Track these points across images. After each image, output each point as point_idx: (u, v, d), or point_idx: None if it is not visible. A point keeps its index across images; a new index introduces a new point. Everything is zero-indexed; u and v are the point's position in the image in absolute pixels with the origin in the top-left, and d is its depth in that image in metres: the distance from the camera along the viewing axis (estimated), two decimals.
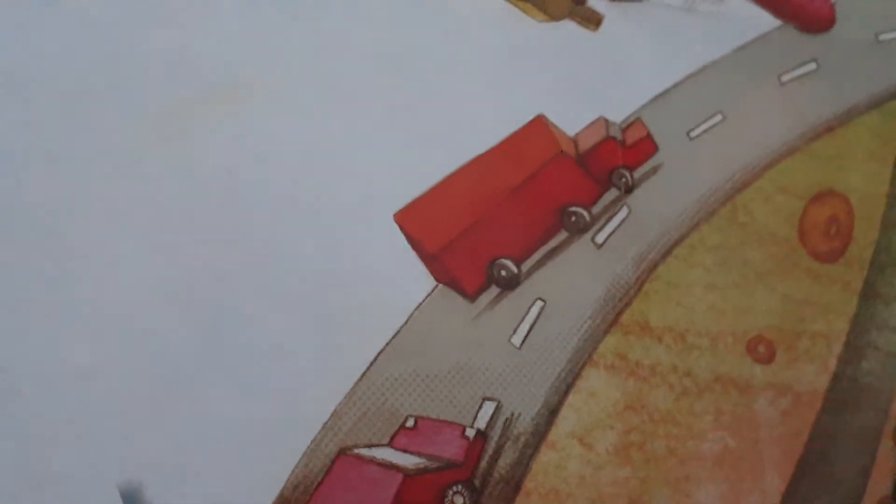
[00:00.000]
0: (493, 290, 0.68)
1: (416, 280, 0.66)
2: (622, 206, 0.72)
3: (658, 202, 0.73)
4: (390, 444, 0.63)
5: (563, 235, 0.71)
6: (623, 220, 0.72)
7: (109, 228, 0.61)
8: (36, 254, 0.59)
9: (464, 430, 0.64)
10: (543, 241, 0.70)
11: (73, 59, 0.62)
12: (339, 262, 0.64)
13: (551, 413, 0.67)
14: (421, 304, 0.65)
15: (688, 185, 0.75)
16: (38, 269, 0.59)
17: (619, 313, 0.70)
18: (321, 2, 0.68)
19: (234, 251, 0.63)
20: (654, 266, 0.72)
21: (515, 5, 0.73)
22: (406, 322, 0.65)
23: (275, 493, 0.59)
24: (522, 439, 0.66)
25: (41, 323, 0.58)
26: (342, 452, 0.61)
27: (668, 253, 0.73)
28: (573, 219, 0.71)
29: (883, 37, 0.84)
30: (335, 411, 0.62)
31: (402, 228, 0.66)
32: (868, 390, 0.75)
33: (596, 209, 0.72)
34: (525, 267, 0.69)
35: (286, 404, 0.61)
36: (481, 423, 0.65)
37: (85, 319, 0.59)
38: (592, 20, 0.75)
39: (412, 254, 0.66)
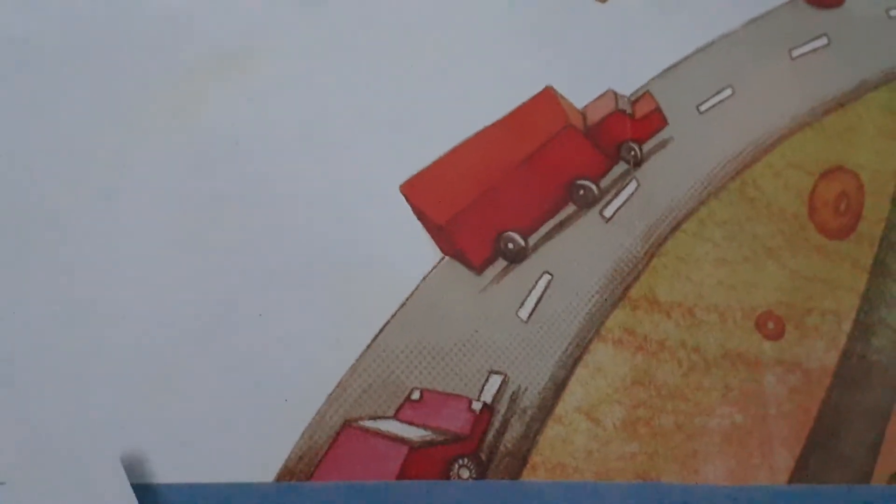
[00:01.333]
0: (500, 263, 0.67)
1: (422, 252, 0.65)
2: (631, 180, 0.72)
3: (667, 176, 0.73)
4: (396, 417, 0.62)
5: (570, 209, 0.70)
6: (631, 194, 0.71)
7: (115, 200, 0.60)
8: (38, 227, 0.59)
9: (470, 403, 0.64)
10: (551, 215, 0.69)
11: (82, 26, 0.61)
12: (344, 233, 0.64)
13: (558, 387, 0.66)
14: (427, 275, 0.65)
15: (697, 159, 0.74)
16: (38, 240, 0.58)
17: (628, 288, 0.70)
18: None
19: (240, 221, 0.62)
20: (663, 240, 0.71)
21: None
22: (412, 294, 0.64)
23: (279, 463, 0.59)
24: (529, 413, 0.65)
25: (43, 299, 0.58)
26: (347, 424, 0.61)
27: (676, 227, 0.72)
28: (581, 192, 0.70)
29: (894, 12, 0.83)
30: (340, 382, 0.61)
31: (407, 199, 0.65)
32: (878, 367, 0.75)
33: (604, 183, 0.71)
34: (532, 240, 0.68)
35: (291, 375, 0.60)
36: (487, 397, 0.64)
37: (89, 291, 0.59)
38: None
39: (419, 225, 0.65)
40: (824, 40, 0.80)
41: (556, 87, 0.71)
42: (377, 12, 0.68)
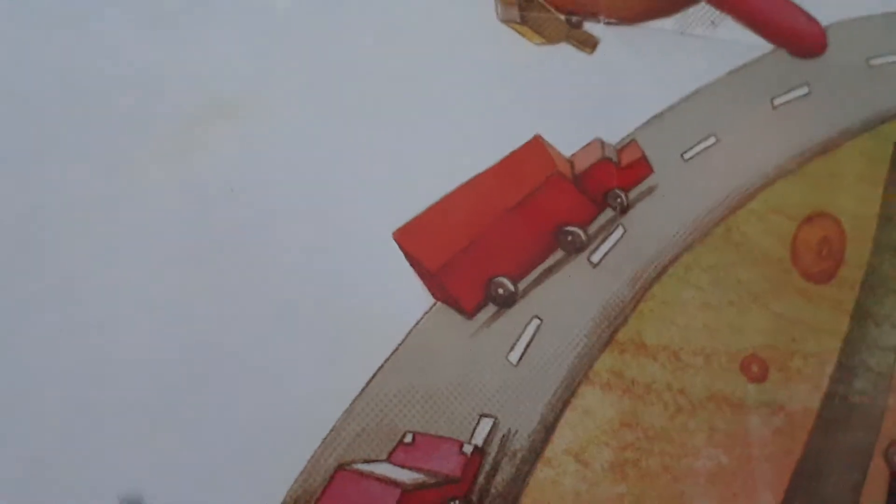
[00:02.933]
0: (491, 308, 0.69)
1: (414, 298, 0.66)
2: (617, 226, 0.73)
3: (653, 222, 0.74)
4: (389, 460, 0.63)
5: (559, 254, 0.71)
6: (618, 240, 0.73)
7: (112, 246, 0.61)
8: (38, 269, 0.60)
9: (461, 446, 0.65)
10: (540, 260, 0.71)
11: (79, 78, 0.62)
12: (339, 280, 0.65)
13: (547, 430, 0.68)
14: (419, 321, 0.66)
15: (682, 205, 0.76)
16: (40, 283, 0.60)
17: (615, 332, 0.71)
18: (320, 24, 0.69)
19: (235, 267, 0.63)
20: (650, 285, 0.73)
21: (513, 28, 0.74)
22: (405, 339, 0.65)
23: None
24: (519, 455, 0.66)
25: (44, 337, 0.59)
26: (341, 467, 0.62)
27: (662, 272, 0.74)
28: (569, 238, 0.72)
29: (874, 62, 0.85)
30: (334, 427, 0.62)
31: (401, 247, 0.67)
32: (860, 409, 0.76)
33: (592, 229, 0.73)
34: (522, 285, 0.70)
35: (286, 419, 0.61)
36: (479, 440, 0.65)
37: (83, 336, 0.59)
38: (588, 43, 0.76)
39: (411, 272, 0.67)
40: (805, 89, 0.82)
41: (544, 135, 0.72)
42: (371, 63, 0.70)
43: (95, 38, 0.63)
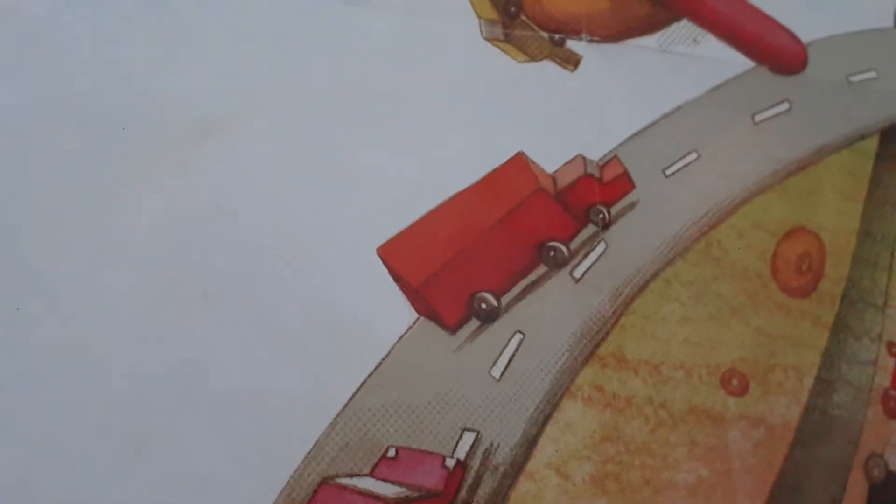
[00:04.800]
0: (474, 323, 0.69)
1: (398, 313, 0.67)
2: (599, 242, 0.74)
3: (634, 238, 0.75)
4: (372, 474, 0.64)
5: (541, 270, 0.72)
6: (600, 255, 0.74)
7: (97, 263, 0.62)
8: (21, 286, 0.60)
9: (444, 461, 0.65)
10: (523, 275, 0.71)
11: (68, 99, 0.63)
12: (323, 295, 0.65)
13: (529, 444, 0.68)
14: (402, 336, 0.67)
15: (663, 221, 0.76)
16: (24, 300, 0.60)
17: (597, 346, 0.72)
18: (305, 43, 0.70)
19: (219, 285, 0.64)
20: (631, 300, 0.74)
21: (497, 46, 0.75)
22: (388, 354, 0.66)
23: None
24: (501, 469, 0.67)
25: (18, 359, 0.59)
26: (325, 481, 0.62)
27: (644, 287, 0.74)
28: (552, 253, 0.72)
29: (853, 78, 0.86)
30: (318, 441, 0.63)
31: (384, 262, 0.67)
32: (839, 423, 0.77)
33: (574, 244, 0.73)
34: (505, 300, 0.70)
35: (269, 435, 0.62)
36: (461, 454, 0.66)
37: (69, 353, 0.60)
38: (571, 61, 0.77)
39: (395, 287, 0.67)
40: (786, 105, 0.83)
41: (527, 152, 0.73)
42: (355, 81, 0.71)
43: (82, 58, 0.64)
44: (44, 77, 0.63)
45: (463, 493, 0.66)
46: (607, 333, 0.72)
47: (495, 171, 0.72)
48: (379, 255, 0.67)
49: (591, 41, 0.78)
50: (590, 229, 0.74)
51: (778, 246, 0.79)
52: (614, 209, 0.75)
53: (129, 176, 0.63)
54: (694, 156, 0.79)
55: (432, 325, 0.68)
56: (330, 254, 0.67)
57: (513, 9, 0.76)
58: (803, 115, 0.83)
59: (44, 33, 0.63)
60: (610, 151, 0.76)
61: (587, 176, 0.75)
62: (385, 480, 0.64)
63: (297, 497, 0.62)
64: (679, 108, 0.79)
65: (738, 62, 0.83)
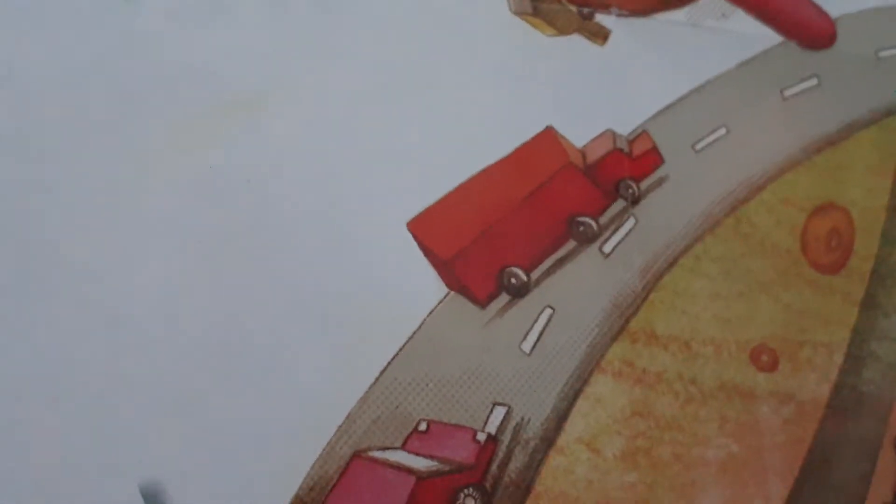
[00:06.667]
0: (504, 298, 0.69)
1: (428, 287, 0.67)
2: (629, 217, 0.74)
3: (664, 213, 0.75)
4: (403, 447, 0.64)
5: (571, 245, 0.72)
6: (630, 231, 0.74)
7: (129, 236, 0.62)
8: (55, 259, 0.60)
9: (475, 434, 0.65)
10: (552, 250, 0.71)
11: (100, 71, 0.63)
12: (354, 270, 0.65)
13: (560, 418, 0.68)
14: (433, 310, 0.67)
15: (693, 196, 0.76)
16: (57, 272, 0.60)
17: (626, 321, 0.72)
18: (335, 18, 0.70)
19: (251, 258, 0.64)
20: (660, 275, 0.73)
21: (525, 20, 0.75)
22: (418, 328, 0.66)
23: (291, 493, 0.61)
24: (532, 444, 0.67)
25: (60, 330, 0.59)
26: (357, 455, 0.62)
27: (673, 263, 0.74)
28: (581, 228, 0.72)
29: (882, 53, 0.86)
30: (349, 415, 0.63)
31: (415, 237, 0.67)
32: (869, 399, 0.77)
33: (603, 219, 0.73)
34: (534, 275, 0.70)
35: (302, 408, 0.62)
36: (492, 428, 0.66)
37: (103, 325, 0.60)
38: (600, 35, 0.77)
39: (425, 261, 0.67)
40: (815, 81, 0.83)
41: (556, 127, 0.73)
42: (385, 56, 0.70)
43: (116, 32, 0.64)
44: (76, 49, 0.63)
45: (494, 468, 0.66)
46: (637, 309, 0.72)
47: (525, 145, 0.72)
48: (409, 229, 0.67)
49: (619, 15, 0.78)
50: (619, 204, 0.74)
51: (807, 222, 0.79)
52: (643, 184, 0.75)
53: (162, 149, 0.63)
54: (723, 131, 0.78)
55: (463, 300, 0.68)
56: (362, 229, 0.67)
57: None
58: (832, 91, 0.83)
59: (80, 10, 0.63)
60: (639, 126, 0.76)
61: (616, 151, 0.74)
62: (416, 454, 0.64)
63: (330, 470, 0.62)
64: (708, 82, 0.79)
65: (767, 37, 0.82)
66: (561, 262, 0.71)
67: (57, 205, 0.61)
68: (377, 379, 0.64)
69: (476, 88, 0.72)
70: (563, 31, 0.76)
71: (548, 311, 0.70)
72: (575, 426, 0.68)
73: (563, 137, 0.73)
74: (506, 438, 0.66)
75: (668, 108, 0.77)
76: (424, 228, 0.68)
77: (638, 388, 0.71)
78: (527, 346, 0.68)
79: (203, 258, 0.63)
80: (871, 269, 0.81)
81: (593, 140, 0.74)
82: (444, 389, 0.65)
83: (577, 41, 0.76)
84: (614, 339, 0.71)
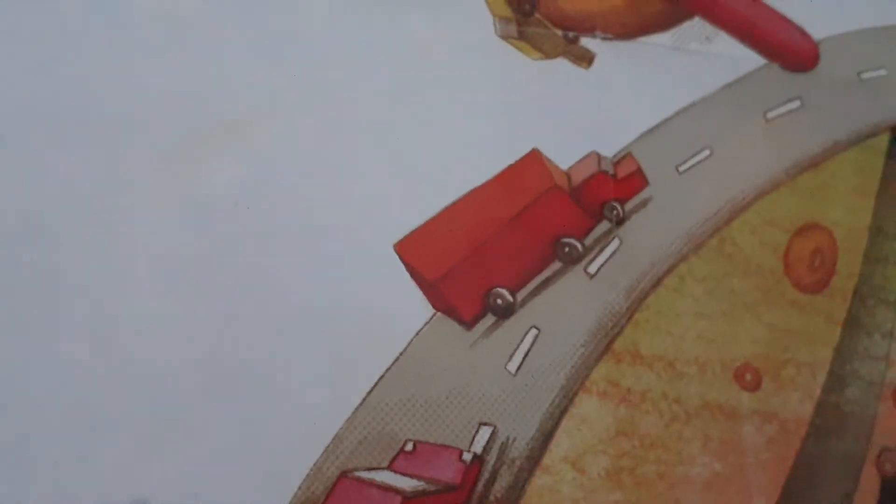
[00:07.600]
0: (490, 319, 0.70)
1: (415, 308, 0.67)
2: (613, 238, 0.74)
3: (648, 234, 0.75)
4: (390, 468, 0.64)
5: (556, 265, 0.73)
6: (614, 252, 0.74)
7: (117, 258, 0.62)
8: (43, 280, 0.61)
9: (461, 454, 0.66)
10: (538, 271, 0.72)
11: (89, 96, 0.63)
12: (341, 291, 0.66)
13: (545, 438, 0.69)
14: (419, 331, 0.67)
15: (677, 217, 0.77)
16: (46, 293, 0.61)
17: (611, 341, 0.72)
18: (320, 41, 0.70)
19: (239, 281, 0.64)
20: (645, 296, 0.74)
21: (511, 44, 0.76)
22: (405, 349, 0.66)
23: None
24: (517, 463, 0.67)
25: (45, 353, 0.60)
26: (343, 475, 0.63)
27: (657, 283, 0.75)
28: (566, 249, 0.73)
29: (865, 75, 0.86)
30: (336, 435, 0.63)
31: (402, 258, 0.68)
32: (851, 418, 0.77)
33: (588, 240, 0.74)
34: (520, 296, 0.71)
35: (289, 428, 0.63)
36: (478, 448, 0.67)
37: (90, 346, 0.61)
38: (585, 58, 0.78)
39: (411, 283, 0.68)
40: (798, 103, 0.83)
41: (541, 149, 0.73)
42: (372, 79, 0.71)
43: (106, 55, 0.64)
44: (67, 75, 0.63)
45: (480, 487, 0.66)
46: (622, 329, 0.73)
47: (510, 168, 0.72)
48: (396, 251, 0.68)
49: (604, 39, 0.78)
50: (604, 226, 0.75)
51: (790, 242, 0.80)
52: (628, 206, 0.76)
53: (150, 172, 0.64)
54: (707, 153, 0.79)
55: (449, 321, 0.68)
56: (347, 250, 0.67)
57: (527, 7, 0.77)
58: (815, 113, 0.84)
59: (68, 33, 0.64)
60: (623, 148, 0.77)
61: (601, 172, 0.75)
62: (403, 474, 0.64)
63: (317, 490, 0.62)
64: (692, 105, 0.80)
65: (751, 59, 0.83)
66: (546, 283, 0.72)
67: (44, 229, 0.61)
68: (364, 400, 0.65)
69: (462, 111, 0.73)
70: (548, 54, 0.77)
71: (533, 332, 0.70)
72: (560, 445, 0.69)
73: (548, 159, 0.73)
74: (491, 458, 0.67)
75: (652, 130, 0.78)
76: (411, 250, 0.68)
77: (623, 407, 0.71)
78: (512, 367, 0.69)
79: (191, 280, 0.63)
80: (854, 289, 0.81)
81: (578, 162, 0.75)
82: (430, 410, 0.66)
83: (562, 64, 0.77)
84: (599, 359, 0.71)
